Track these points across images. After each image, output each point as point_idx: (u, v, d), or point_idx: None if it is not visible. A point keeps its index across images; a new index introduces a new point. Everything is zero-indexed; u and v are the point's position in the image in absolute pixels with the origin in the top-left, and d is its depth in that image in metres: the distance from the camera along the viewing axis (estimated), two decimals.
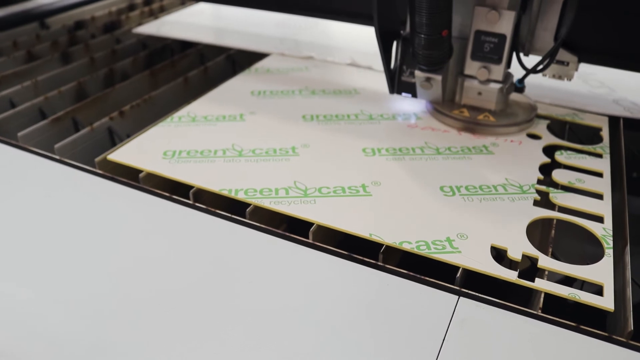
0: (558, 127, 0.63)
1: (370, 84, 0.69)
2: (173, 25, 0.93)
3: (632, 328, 0.35)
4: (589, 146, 0.56)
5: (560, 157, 0.54)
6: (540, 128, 0.59)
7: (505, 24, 0.52)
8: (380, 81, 0.69)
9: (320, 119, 0.59)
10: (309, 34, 0.89)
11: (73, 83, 0.72)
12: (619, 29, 0.57)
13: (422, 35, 0.48)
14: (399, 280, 0.38)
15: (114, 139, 0.61)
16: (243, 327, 0.35)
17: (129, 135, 0.61)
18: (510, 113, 0.58)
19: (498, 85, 0.55)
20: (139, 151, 0.53)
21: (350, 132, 0.57)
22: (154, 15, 1.08)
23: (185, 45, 0.89)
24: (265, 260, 0.40)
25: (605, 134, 0.59)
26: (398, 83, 0.55)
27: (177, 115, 0.60)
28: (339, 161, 0.52)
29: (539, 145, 0.56)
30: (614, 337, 0.34)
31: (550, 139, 0.57)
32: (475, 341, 0.34)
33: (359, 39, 0.86)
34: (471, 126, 0.56)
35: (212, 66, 0.78)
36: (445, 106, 0.58)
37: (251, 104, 0.63)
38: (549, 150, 0.55)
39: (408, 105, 0.62)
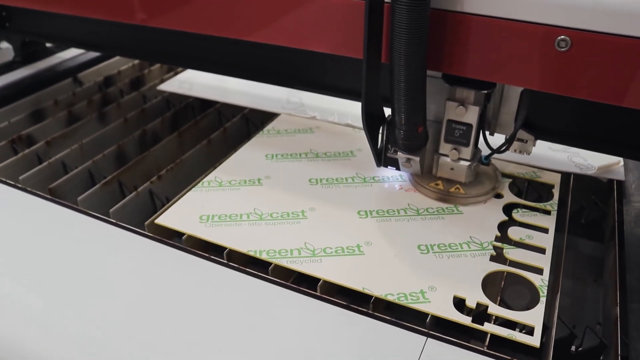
0: (521, 183, 0.76)
1: (364, 146, 0.82)
2: (191, 83, 1.06)
3: (551, 358, 0.48)
4: (540, 204, 0.69)
5: (516, 215, 0.67)
6: (503, 187, 0.72)
7: (471, 116, 0.63)
8: None
9: (323, 182, 0.73)
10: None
11: (114, 147, 0.86)
12: (564, 115, 0.69)
13: (402, 131, 0.60)
14: (382, 324, 0.51)
15: (154, 200, 0.75)
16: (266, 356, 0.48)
17: (167, 197, 0.75)
18: (478, 183, 0.71)
19: (467, 163, 0.67)
20: (179, 215, 0.66)
21: (347, 196, 0.70)
22: (172, 69, 1.22)
23: (204, 104, 1.02)
24: (284, 307, 0.54)
25: (556, 191, 0.72)
26: (384, 158, 0.68)
27: (206, 180, 0.73)
28: (339, 224, 0.65)
29: (500, 204, 0.69)
30: None
31: (510, 198, 0.70)
32: None
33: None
34: (444, 197, 0.69)
35: (230, 126, 0.92)
36: (424, 178, 0.71)
37: (266, 168, 0.76)
38: (508, 208, 0.69)
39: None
